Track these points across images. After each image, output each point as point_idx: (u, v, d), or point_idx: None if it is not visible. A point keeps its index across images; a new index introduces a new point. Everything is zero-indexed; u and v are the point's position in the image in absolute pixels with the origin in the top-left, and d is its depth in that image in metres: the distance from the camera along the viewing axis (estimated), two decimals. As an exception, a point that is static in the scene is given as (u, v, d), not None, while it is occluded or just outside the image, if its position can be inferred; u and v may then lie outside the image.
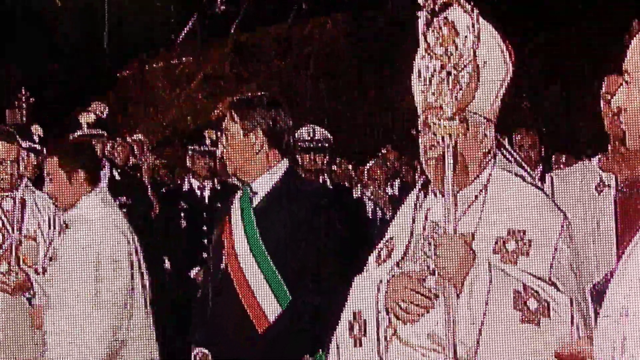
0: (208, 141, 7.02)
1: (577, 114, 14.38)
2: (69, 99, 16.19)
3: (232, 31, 19.34)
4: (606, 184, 3.90)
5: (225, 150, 3.83)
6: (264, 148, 3.77)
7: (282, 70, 17.90)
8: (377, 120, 16.47)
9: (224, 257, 3.81)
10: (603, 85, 3.93)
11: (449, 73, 2.96)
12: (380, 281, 3.05)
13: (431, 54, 3.01)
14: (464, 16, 2.98)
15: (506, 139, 3.18)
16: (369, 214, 7.70)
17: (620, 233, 3.79)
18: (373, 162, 8.18)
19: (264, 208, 3.78)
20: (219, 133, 3.92)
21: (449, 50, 2.97)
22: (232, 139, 3.78)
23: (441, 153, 2.98)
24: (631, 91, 2.39)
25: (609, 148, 3.94)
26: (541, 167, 7.59)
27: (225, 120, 3.81)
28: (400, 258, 3.10)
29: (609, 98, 3.85)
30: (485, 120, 3.07)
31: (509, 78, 3.09)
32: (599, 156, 4.01)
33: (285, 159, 3.84)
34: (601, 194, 3.89)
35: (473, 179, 3.07)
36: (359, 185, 8.51)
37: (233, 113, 3.79)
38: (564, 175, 4.12)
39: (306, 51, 17.99)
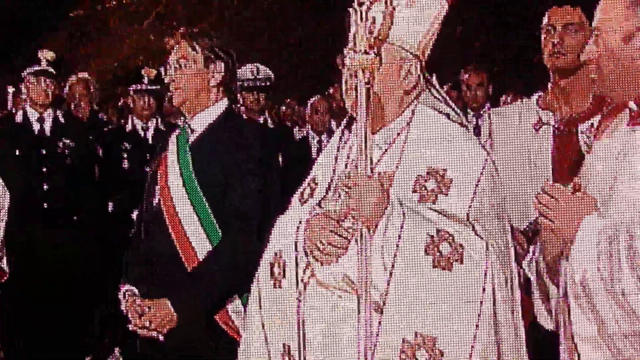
0: (146, 80, 6.91)
1: (528, 52, 14.32)
2: (20, 34, 15.90)
3: (185, -31, 19.06)
4: (545, 121, 3.86)
5: (177, 80, 3.76)
6: (216, 83, 3.76)
7: (235, 8, 17.68)
8: (326, 60, 16.33)
9: (157, 192, 3.77)
10: (545, 17, 3.88)
11: (361, 3, 2.86)
12: (300, 221, 2.96)
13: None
14: None
15: (434, 77, 3.08)
16: (313, 154, 7.58)
17: (557, 171, 3.76)
18: (317, 97, 8.01)
19: (199, 146, 3.76)
20: (168, 65, 3.82)
21: None
22: (189, 68, 3.74)
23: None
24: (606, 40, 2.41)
25: (549, 84, 3.90)
26: (489, 105, 7.52)
27: (183, 49, 3.76)
28: (322, 198, 3.01)
29: (551, 30, 3.83)
30: (411, 56, 2.98)
31: (441, 18, 3.01)
32: (539, 94, 3.97)
33: (225, 98, 3.82)
34: (539, 131, 3.86)
35: (395, 117, 2.98)
36: (306, 125, 8.38)
37: (194, 43, 3.76)
38: (503, 113, 4.08)
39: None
